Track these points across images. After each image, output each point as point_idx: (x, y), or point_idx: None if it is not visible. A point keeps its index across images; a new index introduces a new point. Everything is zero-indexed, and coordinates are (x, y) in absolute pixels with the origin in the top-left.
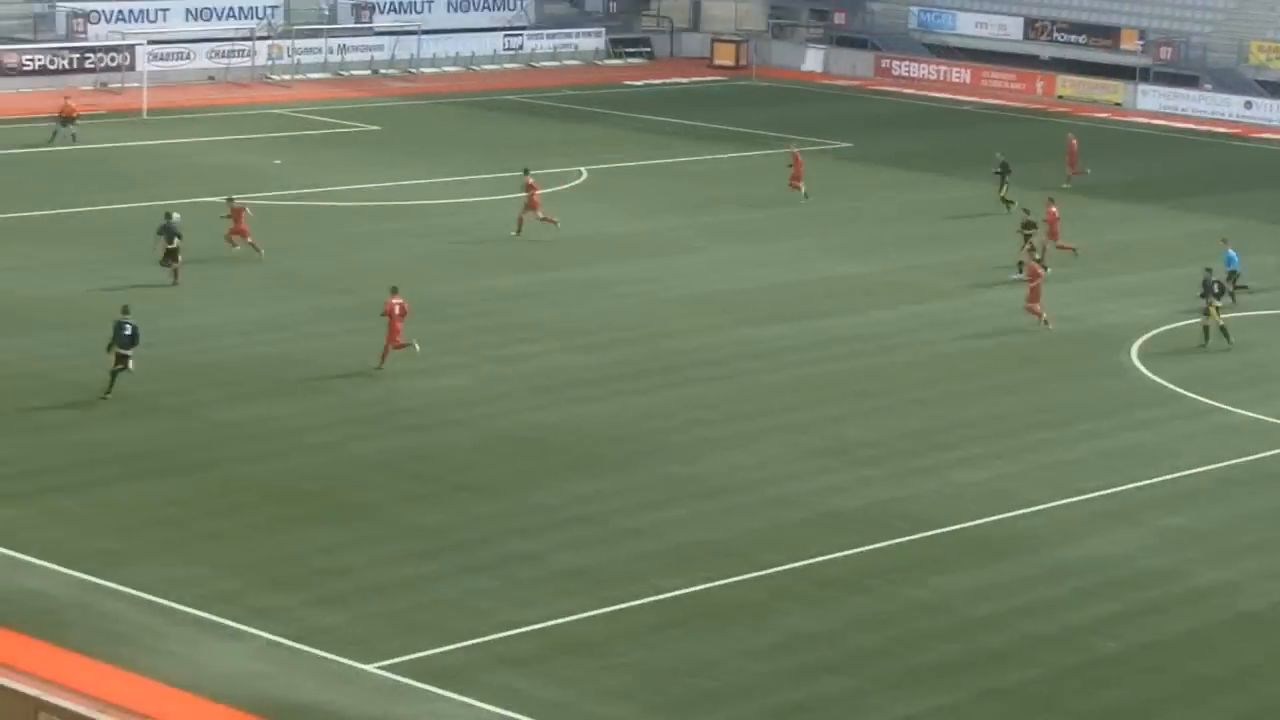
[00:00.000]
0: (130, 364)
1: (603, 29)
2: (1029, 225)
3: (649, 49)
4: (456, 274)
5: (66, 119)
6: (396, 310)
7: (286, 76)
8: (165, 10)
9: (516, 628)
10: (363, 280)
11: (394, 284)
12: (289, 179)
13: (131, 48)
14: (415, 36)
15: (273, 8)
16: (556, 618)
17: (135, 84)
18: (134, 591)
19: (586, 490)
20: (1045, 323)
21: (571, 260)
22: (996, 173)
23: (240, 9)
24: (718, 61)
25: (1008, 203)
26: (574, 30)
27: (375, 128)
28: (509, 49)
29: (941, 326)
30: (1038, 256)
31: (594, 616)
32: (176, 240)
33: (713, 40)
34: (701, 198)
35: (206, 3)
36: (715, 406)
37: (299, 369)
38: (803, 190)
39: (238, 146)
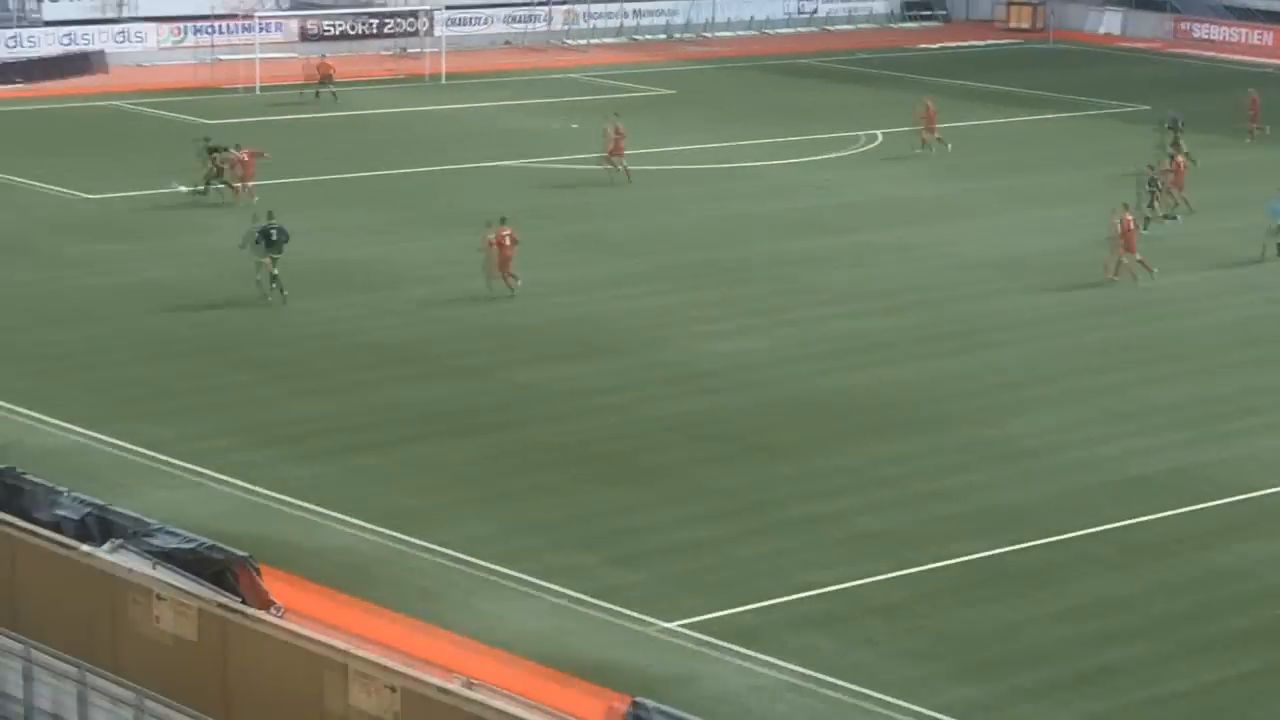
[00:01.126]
0: (276, 266)
1: None
2: (1153, 181)
3: (943, 12)
4: (751, 237)
5: (325, 79)
6: (507, 241)
7: (581, 41)
8: None
9: (816, 589)
10: (659, 244)
11: (503, 216)
12: (584, 144)
13: (430, 13)
14: (709, 0)
15: None
16: (856, 579)
17: (433, 50)
18: (438, 548)
19: (887, 453)
20: (1137, 276)
21: (866, 224)
22: (1169, 128)
23: None
24: (1012, 24)
25: (1189, 158)
26: None
27: (668, 92)
28: (802, 13)
29: (1248, 290)
30: (1163, 213)
31: (894, 579)
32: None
33: (1008, 2)
34: (996, 161)
35: None
36: (1017, 369)
37: (597, 331)
38: (935, 139)
39: (532, 111)
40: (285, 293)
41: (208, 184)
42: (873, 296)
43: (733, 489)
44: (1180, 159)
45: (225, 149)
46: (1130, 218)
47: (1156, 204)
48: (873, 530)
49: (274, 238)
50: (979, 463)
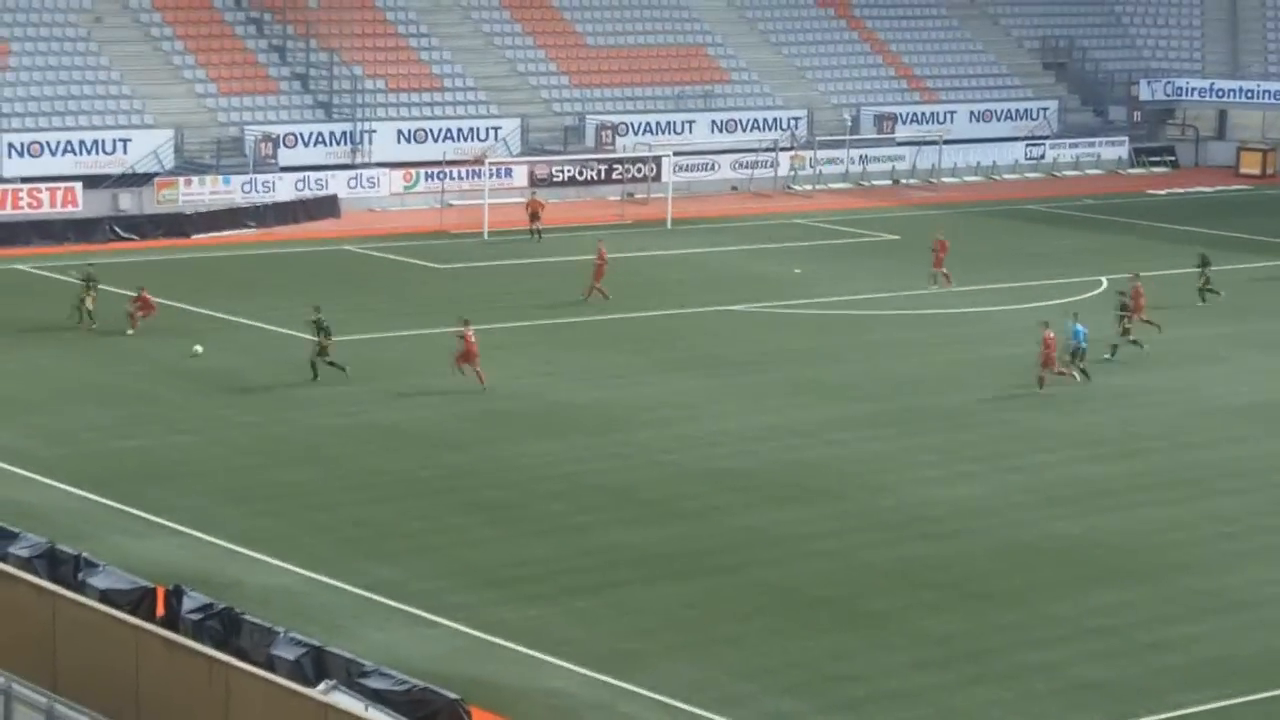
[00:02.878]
0: (329, 353)
1: (1126, 137)
2: (1125, 306)
3: (1173, 158)
4: (974, 382)
5: (534, 215)
6: (472, 337)
7: (808, 186)
8: (691, 122)
9: None
10: (883, 388)
11: (466, 318)
12: (809, 288)
13: (658, 159)
14: (937, 146)
15: (796, 119)
16: None
17: (660, 195)
18: (651, 694)
19: (1105, 602)
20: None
21: (1091, 369)
22: (1197, 267)
23: (764, 121)
24: (1244, 170)
25: (1209, 292)
26: (1097, 139)
27: (895, 237)
28: (1031, 158)
29: None
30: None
31: None
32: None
33: (1239, 148)
34: (1228, 308)
35: (731, 115)
36: (1241, 519)
37: (817, 475)
38: (942, 274)
39: (758, 256)
40: (347, 369)
41: (81, 313)
42: (1095, 443)
43: (948, 636)
44: (1139, 286)
45: (94, 281)
46: (1050, 335)
47: (1123, 327)
48: (1088, 681)
49: (324, 324)
50: (1198, 614)
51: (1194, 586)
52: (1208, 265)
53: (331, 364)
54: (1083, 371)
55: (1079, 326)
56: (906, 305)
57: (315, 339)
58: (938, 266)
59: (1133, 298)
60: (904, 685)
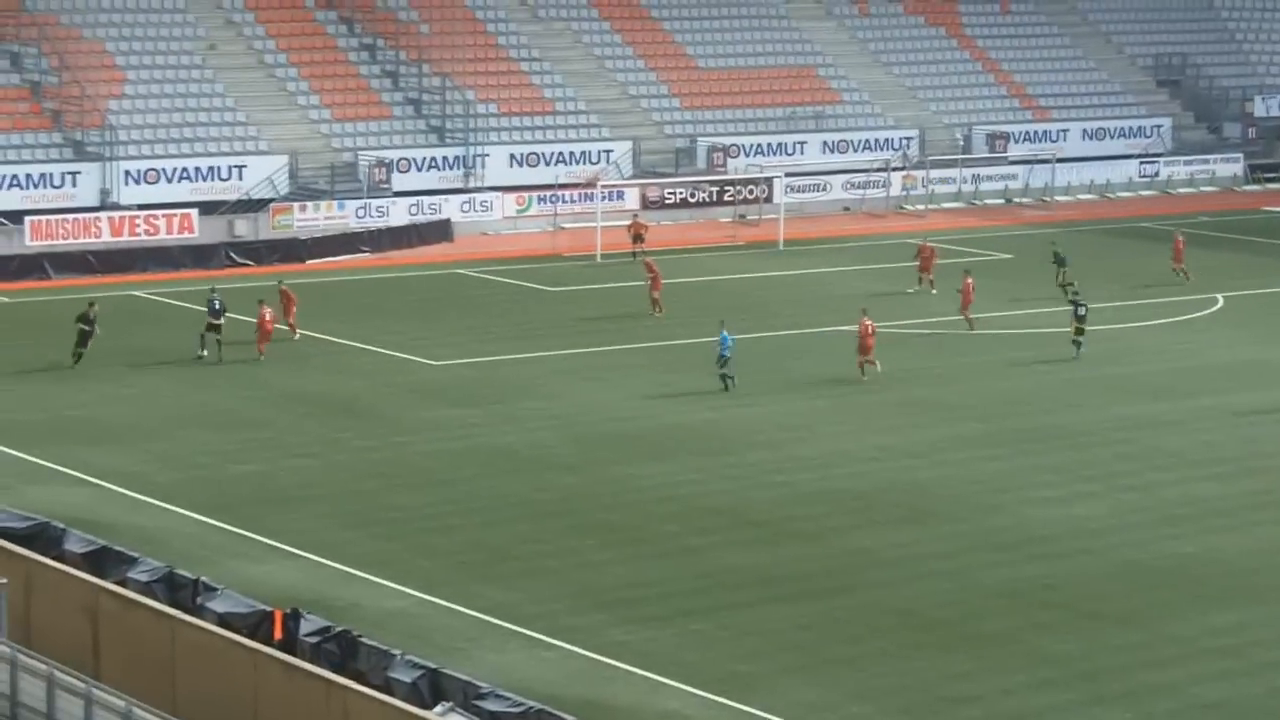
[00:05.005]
0: (221, 331)
1: (1241, 154)
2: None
3: None
4: (1091, 401)
5: (636, 237)
6: (268, 316)
7: (920, 206)
8: (803, 144)
9: None
10: (996, 408)
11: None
12: (921, 308)
13: (770, 180)
14: (1050, 165)
15: (908, 139)
16: None
17: (772, 216)
18: (767, 715)
19: (1225, 622)
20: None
21: (1208, 387)
22: (1054, 262)
23: (876, 141)
24: None
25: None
26: (1211, 156)
27: (1008, 256)
28: (1145, 176)
29: None
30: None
31: None
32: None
33: None
34: None
35: (843, 136)
36: None
37: (931, 496)
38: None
39: (870, 276)
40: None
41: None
42: (1211, 462)
43: (1065, 656)
44: (970, 282)
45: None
46: (869, 322)
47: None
48: (1209, 701)
49: (216, 306)
50: None
51: None
52: (1063, 265)
53: (204, 336)
54: (724, 378)
55: (725, 334)
56: (1021, 325)
57: (88, 329)
58: (925, 272)
59: (963, 293)
60: (1018, 706)
